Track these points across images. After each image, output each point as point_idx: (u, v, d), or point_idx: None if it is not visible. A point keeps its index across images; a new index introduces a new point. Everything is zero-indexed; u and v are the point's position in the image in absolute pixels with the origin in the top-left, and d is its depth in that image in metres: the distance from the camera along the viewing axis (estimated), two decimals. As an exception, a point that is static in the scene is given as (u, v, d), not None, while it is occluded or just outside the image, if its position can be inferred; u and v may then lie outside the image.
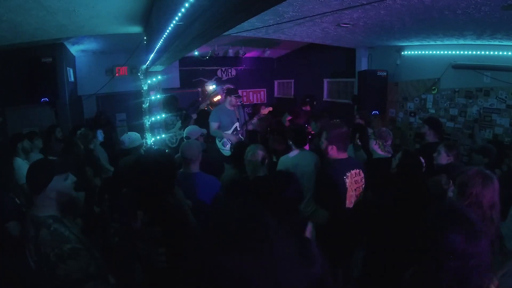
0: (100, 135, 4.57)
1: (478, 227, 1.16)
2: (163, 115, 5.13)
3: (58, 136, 4.60)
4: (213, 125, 4.66)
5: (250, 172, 2.67)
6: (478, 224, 1.18)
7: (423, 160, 2.39)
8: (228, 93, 4.75)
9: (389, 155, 3.14)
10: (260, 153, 2.66)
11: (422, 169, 2.46)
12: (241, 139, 4.67)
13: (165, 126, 5.31)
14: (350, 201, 2.41)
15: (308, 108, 5.99)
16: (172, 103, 5.32)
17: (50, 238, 1.44)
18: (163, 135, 5.13)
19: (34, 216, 1.50)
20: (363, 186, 2.48)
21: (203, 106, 6.54)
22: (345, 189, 2.37)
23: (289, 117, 5.80)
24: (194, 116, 5.77)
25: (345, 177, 2.38)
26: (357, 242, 2.14)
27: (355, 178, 2.43)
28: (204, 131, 4.20)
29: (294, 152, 3.12)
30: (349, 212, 2.39)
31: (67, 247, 1.43)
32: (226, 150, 4.67)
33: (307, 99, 6.07)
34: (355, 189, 2.44)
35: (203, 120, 5.79)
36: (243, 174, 2.81)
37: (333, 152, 2.42)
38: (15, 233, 2.17)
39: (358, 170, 2.46)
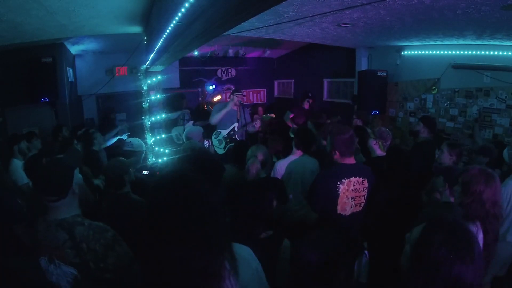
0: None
1: (479, 249, 1.08)
2: (171, 113, 5.19)
3: (66, 135, 4.61)
4: (215, 113, 4.78)
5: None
6: (479, 246, 1.10)
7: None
8: (232, 92, 4.93)
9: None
10: (260, 158, 2.64)
11: (407, 160, 2.51)
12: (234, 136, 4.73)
13: (175, 122, 5.38)
14: (343, 208, 2.29)
15: (307, 106, 5.99)
16: (178, 101, 5.44)
17: (91, 232, 1.41)
18: (172, 132, 5.16)
19: (60, 220, 1.43)
20: (366, 196, 2.35)
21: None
22: (337, 195, 2.25)
23: (292, 115, 5.81)
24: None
25: (339, 183, 2.25)
26: (356, 248, 2.08)
27: (355, 186, 2.29)
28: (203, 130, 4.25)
29: (292, 157, 3.10)
30: (343, 219, 2.30)
31: (109, 234, 1.44)
32: (220, 148, 4.70)
33: (307, 97, 5.98)
34: (353, 197, 2.30)
35: (200, 117, 5.88)
36: (242, 172, 2.82)
37: (337, 158, 2.33)
38: (21, 234, 2.15)
39: (361, 179, 2.31)
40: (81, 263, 1.38)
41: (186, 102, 6.11)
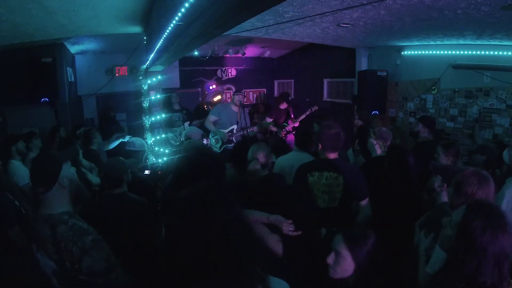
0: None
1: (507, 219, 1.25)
2: (165, 114, 5.17)
3: (63, 135, 4.62)
4: (211, 117, 4.77)
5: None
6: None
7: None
8: (234, 93, 4.96)
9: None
10: (262, 160, 2.63)
11: (408, 157, 2.56)
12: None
13: (170, 123, 5.37)
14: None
15: (284, 105, 6.00)
16: (169, 102, 5.44)
17: (71, 233, 1.43)
18: (169, 134, 5.15)
19: (47, 215, 1.48)
20: (341, 192, 2.38)
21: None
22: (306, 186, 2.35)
23: (271, 119, 5.84)
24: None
25: (308, 175, 2.36)
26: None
27: (328, 181, 2.37)
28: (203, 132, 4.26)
29: (292, 153, 3.12)
30: (315, 210, 2.36)
31: (89, 239, 1.44)
32: (216, 147, 4.73)
33: (285, 100, 6.06)
34: (325, 191, 2.37)
35: (199, 117, 5.89)
36: (243, 173, 2.81)
37: (319, 149, 2.45)
38: (16, 238, 2.16)
39: (335, 174, 2.36)
40: (59, 260, 1.42)
41: (178, 102, 6.07)
